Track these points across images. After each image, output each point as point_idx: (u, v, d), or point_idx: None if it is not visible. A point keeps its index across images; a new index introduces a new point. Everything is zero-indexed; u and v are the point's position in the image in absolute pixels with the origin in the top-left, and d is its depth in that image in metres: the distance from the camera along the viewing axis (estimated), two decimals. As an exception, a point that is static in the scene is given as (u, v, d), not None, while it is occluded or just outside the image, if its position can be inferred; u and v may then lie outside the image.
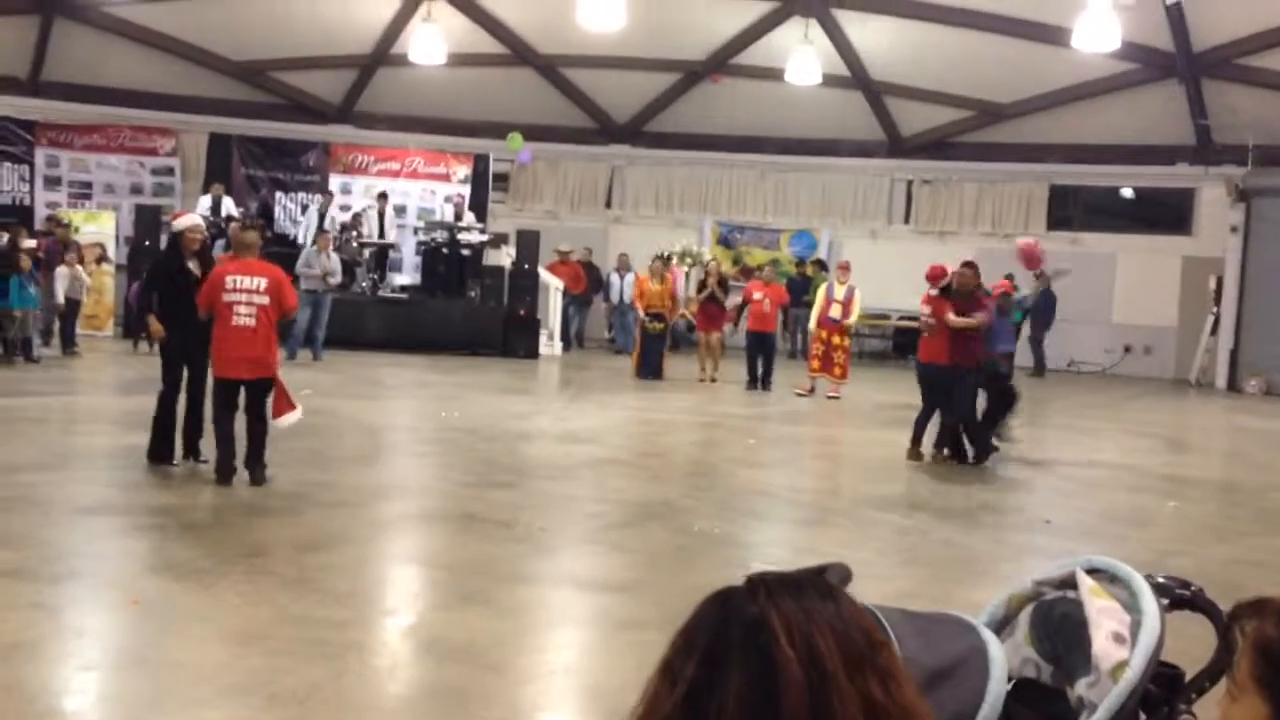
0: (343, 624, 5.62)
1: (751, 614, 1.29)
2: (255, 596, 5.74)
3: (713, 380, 17.22)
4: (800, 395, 16.26)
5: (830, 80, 21.69)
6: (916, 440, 11.05)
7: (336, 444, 10.99)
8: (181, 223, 9.41)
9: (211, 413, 8.44)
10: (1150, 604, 2.05)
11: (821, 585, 1.36)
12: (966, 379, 10.94)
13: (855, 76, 22.51)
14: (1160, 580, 2.17)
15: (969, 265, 11.24)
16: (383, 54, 22.75)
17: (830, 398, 15.98)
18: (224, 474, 8.24)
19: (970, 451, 11.02)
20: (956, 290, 11.04)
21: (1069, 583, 2.20)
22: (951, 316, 10.81)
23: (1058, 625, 2.17)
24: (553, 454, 10.75)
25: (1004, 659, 2.02)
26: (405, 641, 5.37)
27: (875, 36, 21.66)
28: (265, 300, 8.33)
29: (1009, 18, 20.06)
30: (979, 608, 2.32)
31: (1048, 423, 15.19)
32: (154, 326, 8.96)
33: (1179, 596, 2.14)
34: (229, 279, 8.38)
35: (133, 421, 10.87)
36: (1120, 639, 2.01)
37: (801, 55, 20.91)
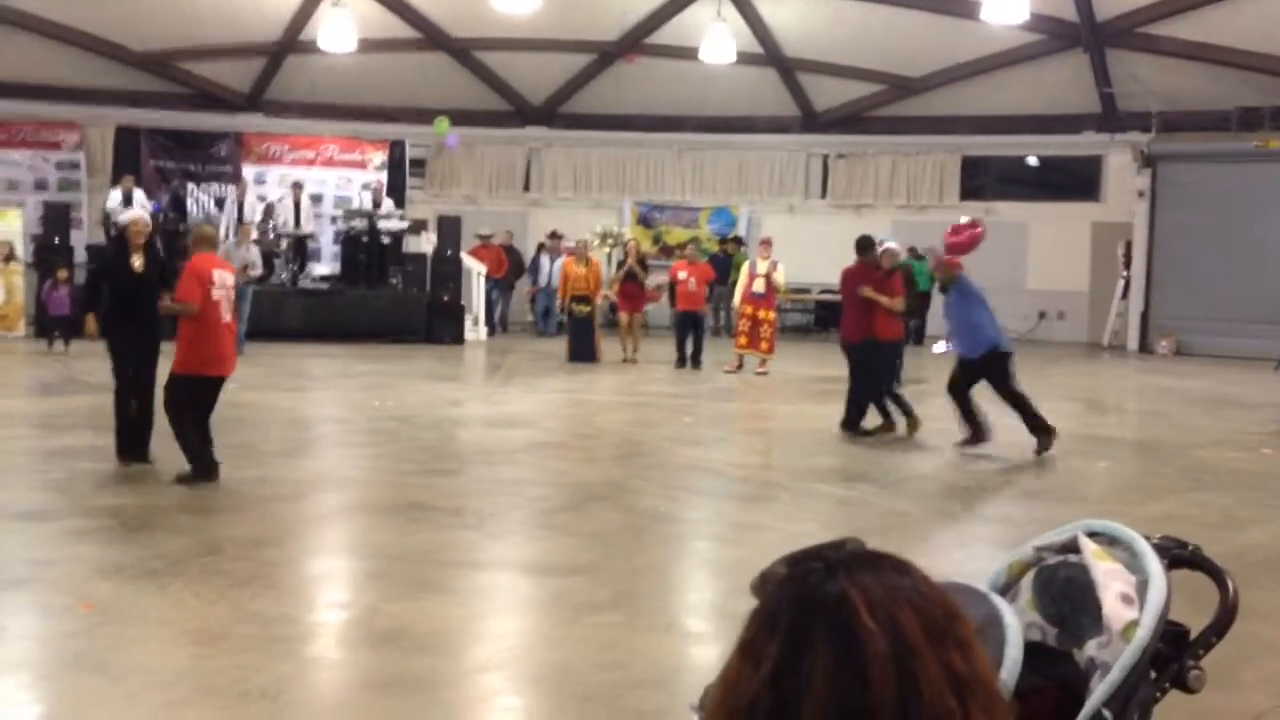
0: (302, 619, 5.59)
1: (833, 591, 1.32)
2: (211, 595, 5.68)
3: (633, 361, 17.21)
4: (729, 372, 16.37)
5: (744, 58, 21.78)
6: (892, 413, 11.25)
7: (269, 438, 10.85)
8: (125, 217, 9.24)
9: (191, 415, 8.16)
10: (1154, 564, 2.12)
11: (896, 560, 1.39)
12: (887, 352, 11.37)
13: (768, 53, 22.64)
14: (1158, 541, 2.25)
15: (874, 244, 11.84)
16: (291, 41, 22.37)
17: (759, 373, 16.11)
18: (213, 470, 8.10)
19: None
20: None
21: (1070, 547, 2.27)
22: (868, 290, 11.22)
23: (1063, 589, 2.23)
24: (491, 439, 10.73)
25: (1019, 626, 2.08)
26: (367, 634, 5.34)
27: (787, 13, 21.80)
28: (232, 296, 8.40)
29: (919, -9, 20.31)
30: (935, 577, 2.38)
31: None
32: (89, 326, 8.77)
33: (1178, 555, 2.22)
34: (215, 274, 8.23)
35: (57, 424, 10.68)
36: (1129, 600, 2.08)
37: (715, 33, 20.96)
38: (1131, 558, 2.18)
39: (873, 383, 11.17)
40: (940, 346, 11.59)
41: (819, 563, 1.37)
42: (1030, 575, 2.32)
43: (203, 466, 8.09)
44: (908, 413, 11.21)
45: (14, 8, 20.45)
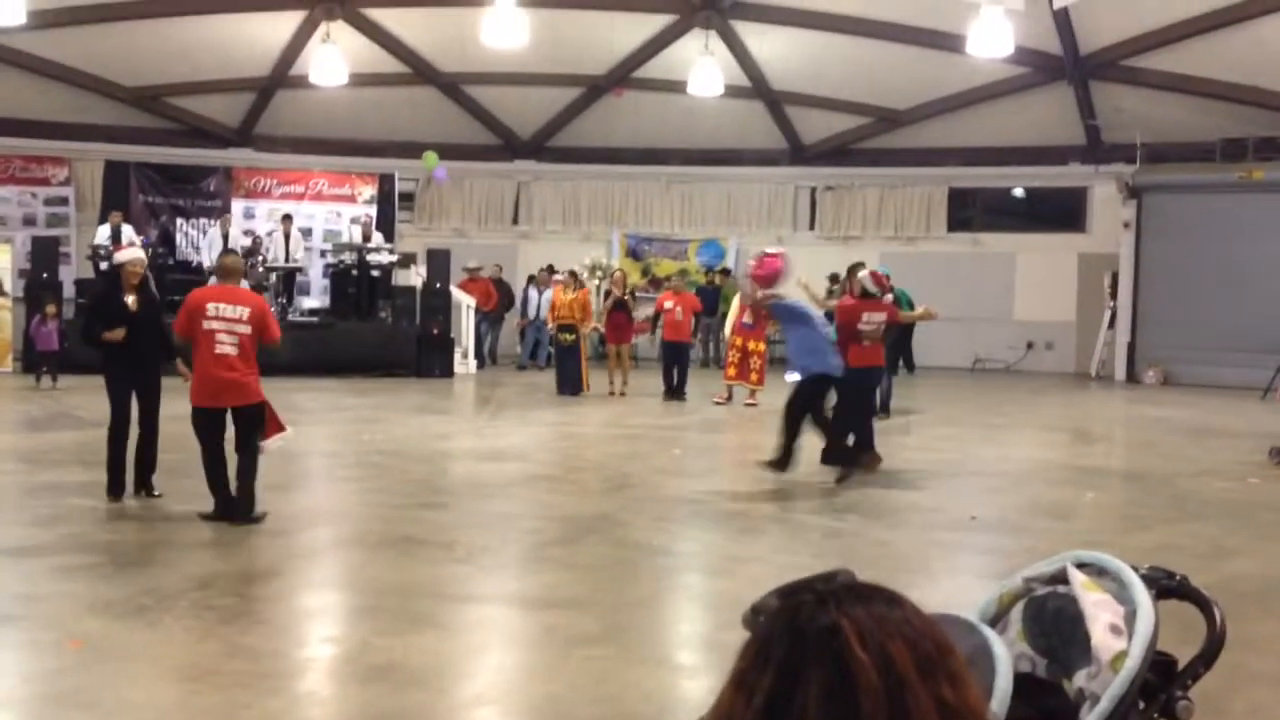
0: (293, 655, 5.58)
1: (824, 623, 1.35)
2: (201, 631, 5.66)
3: (621, 394, 17.20)
4: (718, 404, 16.39)
5: (731, 91, 21.92)
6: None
7: (260, 472, 10.82)
8: (122, 256, 9.22)
9: (202, 453, 8.15)
10: (1143, 595, 2.15)
11: (888, 593, 1.42)
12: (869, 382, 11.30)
13: (756, 86, 22.79)
14: (1145, 572, 2.27)
15: (876, 278, 11.62)
16: (281, 76, 22.47)
17: (748, 405, 16.13)
18: (231, 510, 8.01)
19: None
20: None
21: (1059, 578, 2.29)
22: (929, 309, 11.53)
23: (1052, 620, 2.26)
24: (482, 472, 10.73)
25: (1009, 657, 2.10)
26: (359, 669, 5.33)
27: (774, 47, 21.95)
28: (248, 329, 8.10)
29: (904, 25, 20.45)
30: (925, 609, 2.39)
31: (960, 421, 15.53)
32: (109, 334, 8.62)
33: (1166, 586, 2.25)
34: (210, 306, 8.12)
35: (45, 459, 10.65)
36: (1117, 630, 2.11)
37: (702, 67, 21.08)
38: (1120, 588, 2.20)
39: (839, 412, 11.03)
40: (790, 375, 11.47)
41: (810, 595, 1.39)
42: (1020, 606, 2.34)
43: (218, 504, 8.06)
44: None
45: (6, 45, 20.50)
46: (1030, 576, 2.37)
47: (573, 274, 18.54)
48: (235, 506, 8.01)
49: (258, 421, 8.30)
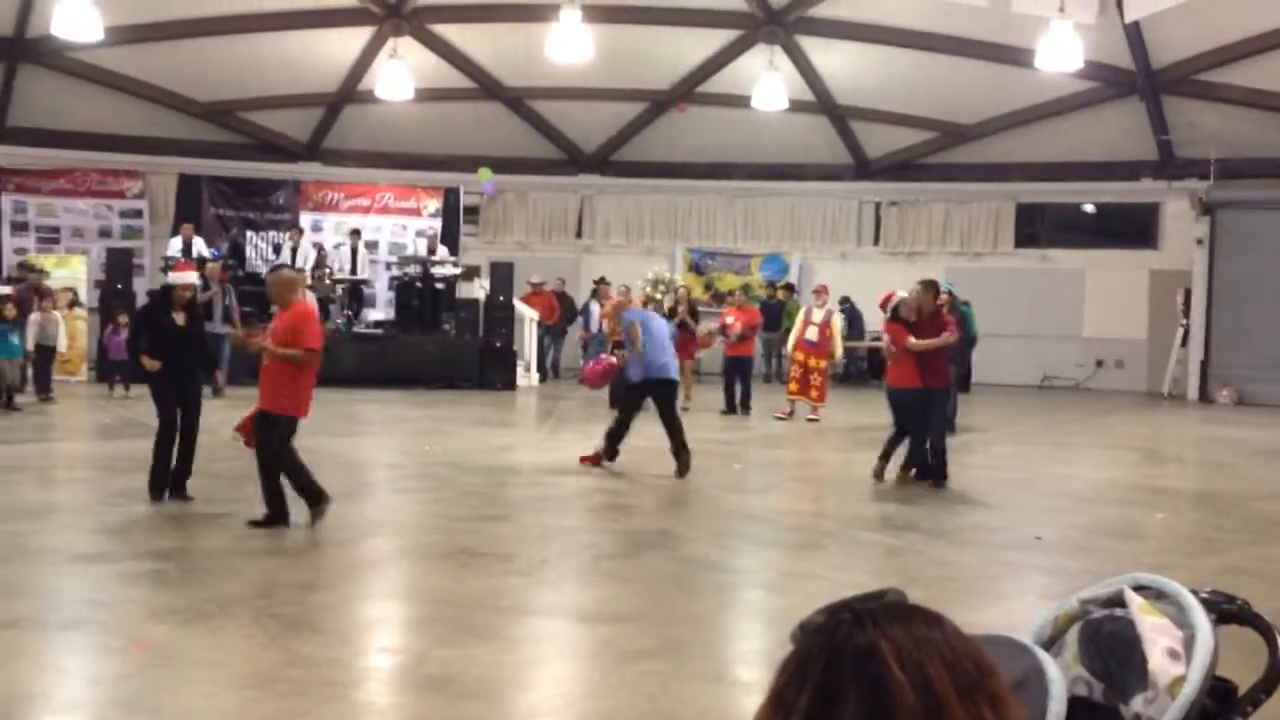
0: (351, 664, 5.62)
1: (862, 643, 1.33)
2: (262, 639, 5.72)
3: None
4: (780, 419, 16.32)
5: (796, 105, 21.88)
6: (884, 458, 11.05)
7: (323, 481, 10.93)
8: (175, 278, 9.70)
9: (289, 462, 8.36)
10: (1202, 619, 2.10)
11: (927, 613, 1.40)
12: (937, 400, 10.96)
13: (820, 101, 22.73)
14: (1205, 595, 2.22)
15: (925, 285, 11.18)
16: (350, 91, 22.78)
17: (809, 420, 16.05)
18: (316, 502, 8.26)
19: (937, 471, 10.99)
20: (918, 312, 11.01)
21: (1116, 601, 2.24)
22: (912, 340, 10.75)
23: (1109, 643, 2.21)
24: (542, 485, 10.76)
25: (1063, 679, 2.06)
26: (417, 679, 5.36)
27: (839, 61, 21.89)
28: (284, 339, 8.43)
29: (972, 40, 20.31)
30: (983, 628, 2.36)
31: (1027, 439, 15.33)
32: (147, 363, 9.06)
33: (1226, 610, 2.19)
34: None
35: (116, 466, 10.83)
36: (1175, 655, 2.06)
37: (767, 82, 21.07)
38: (1179, 612, 2.15)
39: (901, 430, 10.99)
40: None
41: (849, 614, 1.37)
42: (1076, 629, 2.29)
43: (316, 509, 8.29)
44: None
45: (83, 60, 20.99)
46: (1086, 599, 2.33)
47: (625, 288, 18.50)
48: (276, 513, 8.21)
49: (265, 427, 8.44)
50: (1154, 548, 8.60)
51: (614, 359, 12.16)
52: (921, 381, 10.80)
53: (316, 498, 8.23)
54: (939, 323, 10.99)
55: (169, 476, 9.03)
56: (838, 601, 1.60)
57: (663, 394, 11.58)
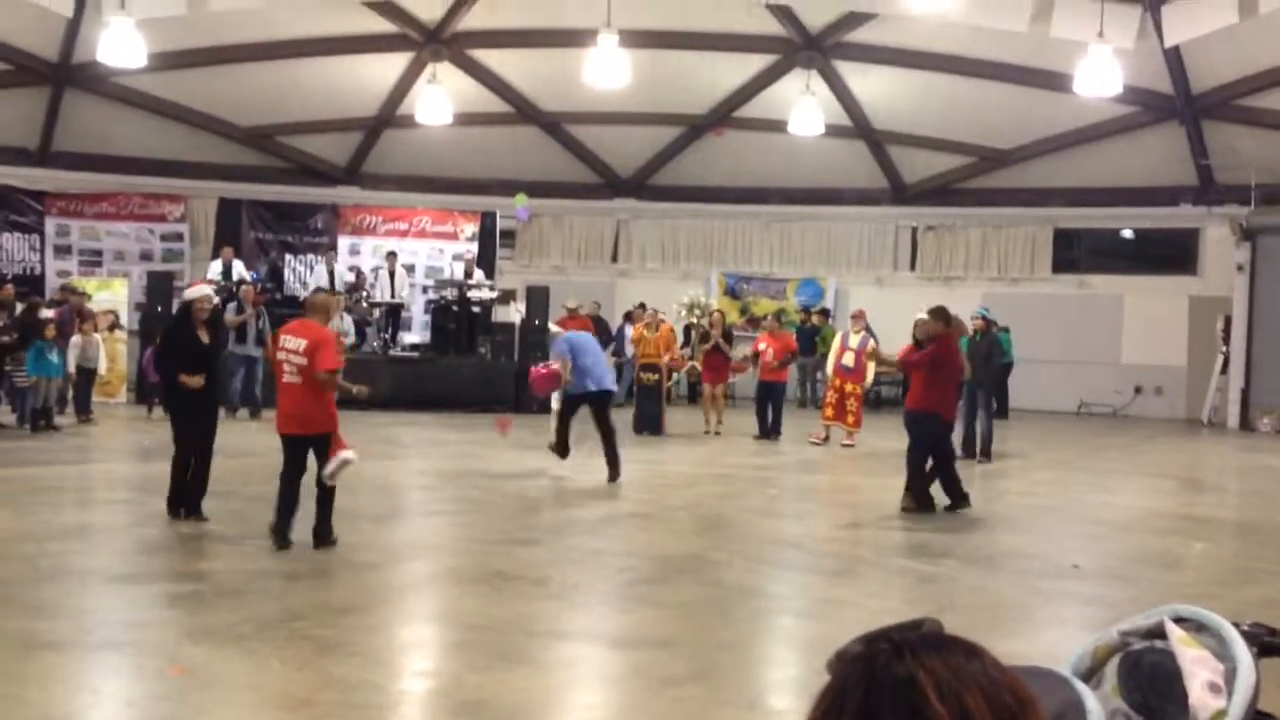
0: (386, 687, 5.63)
1: (900, 674, 1.32)
2: (297, 661, 5.74)
3: (716, 433, 17.13)
4: (815, 444, 16.27)
5: (833, 130, 21.88)
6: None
7: (360, 504, 10.98)
8: (192, 293, 9.82)
9: (286, 475, 8.49)
10: (1243, 651, 2.07)
11: (966, 644, 1.38)
12: (932, 427, 10.85)
13: (857, 126, 22.71)
14: (1247, 628, 2.19)
15: (930, 313, 11.22)
16: (389, 115, 22.97)
17: (845, 445, 15.98)
18: (275, 534, 8.26)
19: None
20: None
21: (1156, 632, 2.22)
22: (874, 348, 10.95)
23: (1149, 676, 2.18)
24: (575, 509, 10.77)
25: (1102, 712, 2.04)
26: (451, 703, 5.36)
27: (876, 86, 21.88)
28: (304, 361, 8.42)
29: (1009, 65, 20.27)
30: (1020, 658, 2.33)
31: (1064, 465, 15.20)
32: (189, 380, 9.12)
33: (1268, 643, 2.17)
34: (282, 338, 8.66)
35: (154, 488, 10.88)
36: (1216, 688, 2.03)
37: (804, 106, 21.09)
38: (1219, 645, 2.13)
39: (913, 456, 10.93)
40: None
41: (887, 644, 1.36)
42: (1115, 660, 2.27)
43: (272, 525, 8.30)
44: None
45: (127, 86, 21.28)
46: (1126, 630, 2.30)
47: (655, 312, 18.53)
48: (282, 530, 8.27)
49: (323, 449, 8.49)
50: (1193, 578, 8.49)
51: (557, 366, 13.00)
52: (919, 404, 10.89)
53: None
54: (934, 349, 10.95)
55: (182, 496, 9.13)
56: (875, 631, 1.58)
57: (598, 404, 12.75)
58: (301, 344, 8.47)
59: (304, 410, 8.45)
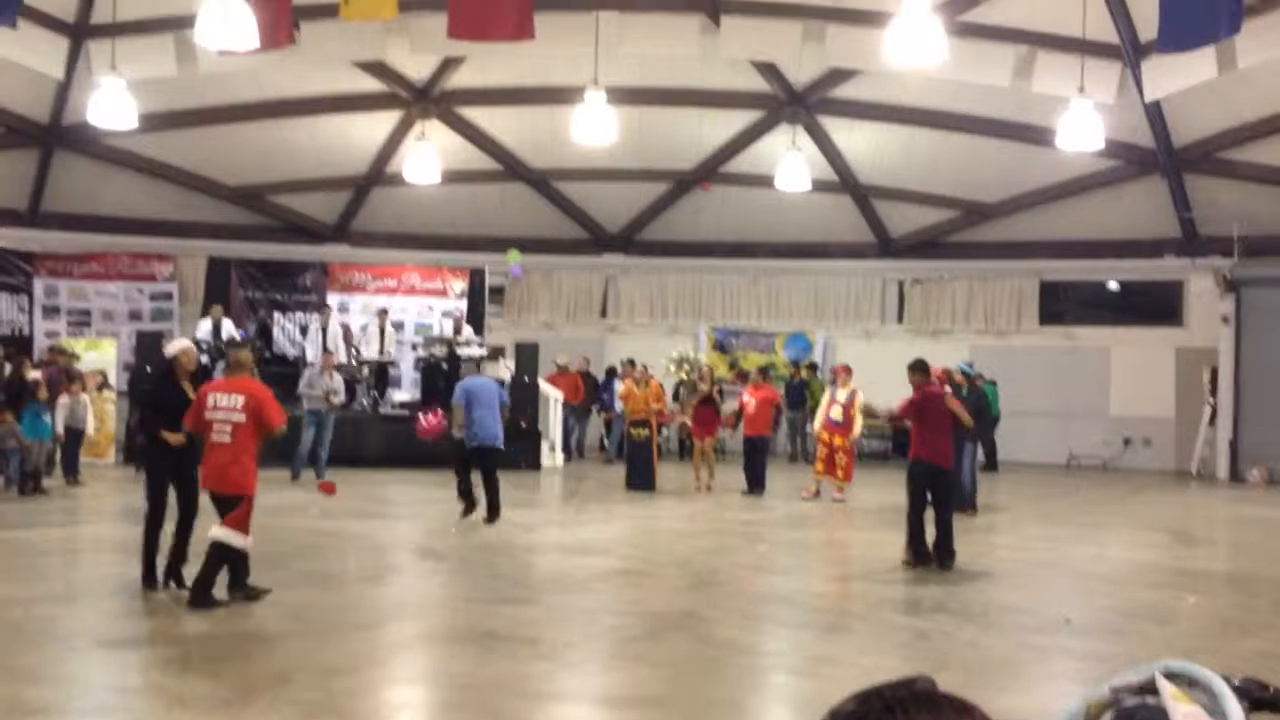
0: (375, 750, 5.57)
1: (891, 733, 1.32)
2: (285, 726, 5.69)
3: (708, 488, 17.08)
4: (805, 498, 16.24)
5: (819, 185, 22.05)
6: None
7: (348, 564, 10.97)
8: (175, 346, 9.67)
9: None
10: (1234, 706, 2.07)
11: (957, 701, 1.39)
12: (925, 475, 11.01)
13: (843, 180, 22.90)
14: (1238, 683, 2.19)
15: (909, 366, 11.56)
16: (378, 174, 23.10)
17: (836, 500, 15.96)
18: (230, 588, 8.31)
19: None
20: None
21: (1148, 688, 2.22)
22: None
23: (1141, 733, 2.18)
24: (566, 566, 10.72)
25: (1095, 769, 2.04)
26: (440, 766, 5.31)
27: (861, 141, 22.09)
28: (241, 418, 8.35)
29: (992, 120, 20.49)
30: (1014, 714, 2.33)
31: (1054, 519, 15.19)
32: (171, 437, 8.91)
33: (1259, 698, 2.17)
34: (210, 397, 8.54)
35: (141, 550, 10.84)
36: (1209, 745, 2.03)
37: (790, 161, 21.25)
38: (1211, 700, 2.13)
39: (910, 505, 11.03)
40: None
41: (879, 702, 1.36)
42: (1108, 717, 2.27)
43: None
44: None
45: (116, 146, 21.38)
46: (1118, 686, 2.29)
47: (644, 368, 18.55)
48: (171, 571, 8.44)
49: (228, 510, 8.39)
50: (1186, 631, 8.47)
51: (438, 420, 13.94)
52: (913, 453, 11.21)
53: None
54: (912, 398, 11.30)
55: (164, 562, 8.79)
56: (868, 689, 1.58)
57: (483, 458, 13.25)
58: (239, 400, 8.41)
59: (228, 468, 8.37)
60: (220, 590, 8.33)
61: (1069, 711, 2.33)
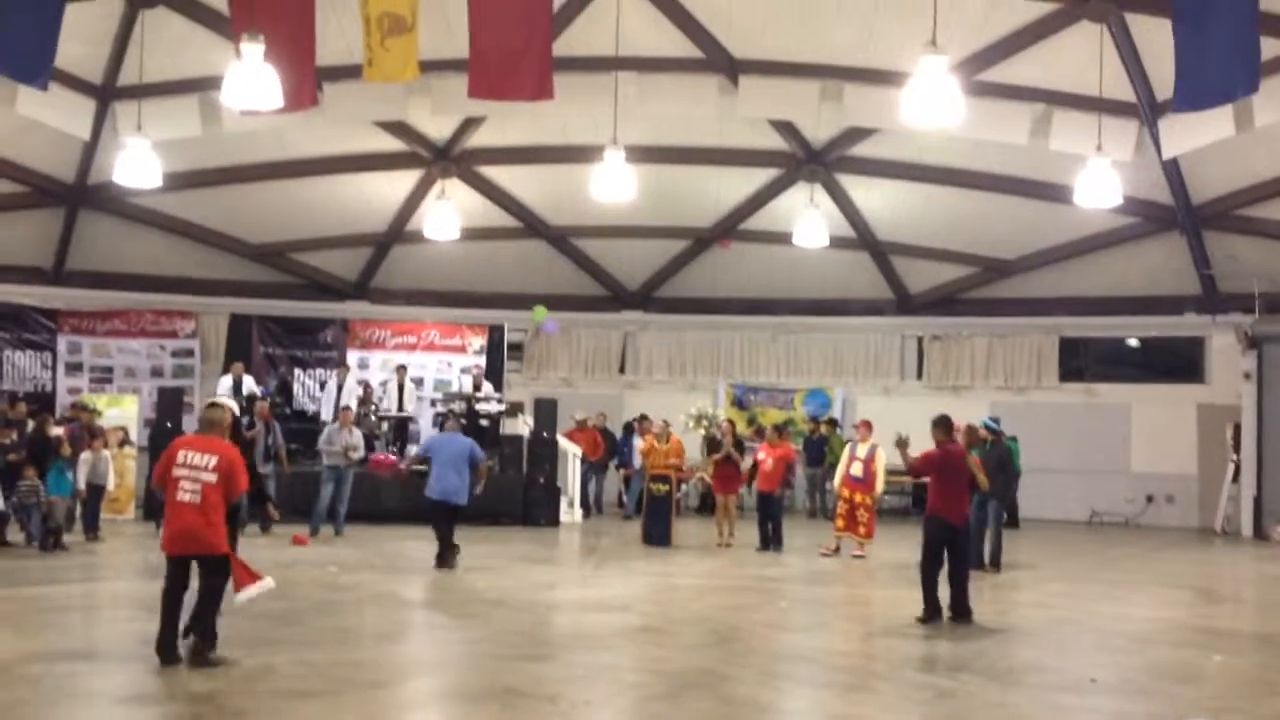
0: (394, 810, 5.53)
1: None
2: (305, 784, 5.65)
3: (728, 545, 17.05)
4: (825, 555, 16.15)
5: (837, 242, 22.15)
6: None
7: (366, 620, 10.94)
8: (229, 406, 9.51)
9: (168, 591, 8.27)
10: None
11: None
12: (939, 531, 11.10)
13: (861, 237, 22.98)
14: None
15: (933, 422, 11.60)
16: (398, 231, 23.30)
17: (856, 557, 15.87)
18: (160, 650, 8.10)
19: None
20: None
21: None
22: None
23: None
24: (586, 624, 10.66)
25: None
26: (460, 826, 5.26)
27: (880, 198, 22.19)
28: (212, 478, 8.17)
29: (1010, 177, 20.57)
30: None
31: (1077, 576, 15.07)
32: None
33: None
34: (180, 453, 8.30)
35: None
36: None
37: (808, 219, 21.36)
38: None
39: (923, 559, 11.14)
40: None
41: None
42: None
43: (156, 641, 8.13)
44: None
45: (140, 205, 21.64)
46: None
47: (665, 424, 18.58)
48: (170, 645, 8.11)
49: (220, 573, 8.25)
50: (1213, 691, 8.35)
51: (394, 460, 14.67)
52: (929, 509, 11.32)
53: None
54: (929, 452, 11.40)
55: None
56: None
57: (441, 513, 13.99)
58: (212, 460, 8.22)
59: (198, 529, 8.16)
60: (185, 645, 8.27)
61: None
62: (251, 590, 8.36)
